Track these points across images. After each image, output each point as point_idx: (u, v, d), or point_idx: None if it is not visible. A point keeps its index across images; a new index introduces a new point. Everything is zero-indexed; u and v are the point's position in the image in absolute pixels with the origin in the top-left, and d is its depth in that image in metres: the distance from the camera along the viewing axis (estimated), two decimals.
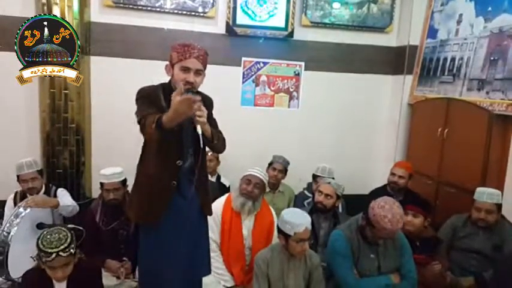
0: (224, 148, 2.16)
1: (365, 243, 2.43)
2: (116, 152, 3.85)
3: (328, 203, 3.01)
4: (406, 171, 3.56)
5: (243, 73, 4.26)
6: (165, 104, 1.95)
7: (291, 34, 4.18)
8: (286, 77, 4.39)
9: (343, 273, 2.40)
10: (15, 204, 3.08)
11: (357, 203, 3.02)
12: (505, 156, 3.22)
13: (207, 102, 2.11)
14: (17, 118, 3.76)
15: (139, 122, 1.93)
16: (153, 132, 1.79)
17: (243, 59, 4.23)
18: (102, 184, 3.06)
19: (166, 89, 2.03)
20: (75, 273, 2.08)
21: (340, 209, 3.56)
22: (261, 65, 4.30)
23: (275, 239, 2.87)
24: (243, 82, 4.29)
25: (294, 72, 4.40)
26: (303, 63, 4.38)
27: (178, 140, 2.03)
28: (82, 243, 2.45)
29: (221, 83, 3.93)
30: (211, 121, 2.10)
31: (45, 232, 2.04)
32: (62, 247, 1.96)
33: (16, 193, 3.18)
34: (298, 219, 2.34)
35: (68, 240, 2.01)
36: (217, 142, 2.05)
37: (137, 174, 2.15)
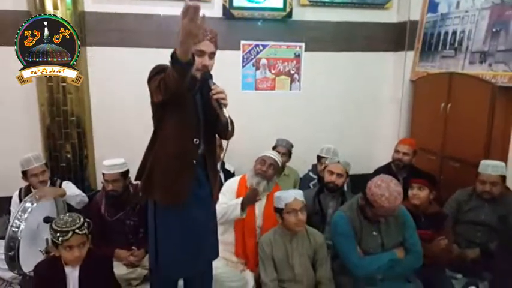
0: (232, 135, 2.13)
1: (366, 222, 2.44)
2: (118, 142, 3.85)
3: (340, 182, 3.04)
4: (410, 147, 3.54)
5: (243, 57, 4.22)
6: None
7: (290, 14, 4.12)
8: (286, 59, 4.34)
9: (347, 253, 2.41)
10: (20, 200, 3.08)
11: (362, 183, 3.01)
12: (508, 128, 3.21)
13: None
14: (16, 113, 3.75)
15: (157, 86, 1.84)
16: (172, 74, 1.71)
17: (242, 42, 4.18)
18: (103, 175, 3.06)
19: None
20: (86, 262, 2.11)
21: (345, 188, 3.55)
22: (261, 47, 4.25)
23: None
24: (243, 66, 4.24)
25: (294, 53, 4.35)
26: (303, 44, 4.32)
27: (194, 118, 2.02)
28: (90, 234, 2.46)
29: (220, 67, 3.82)
30: None
31: (56, 219, 2.11)
32: (78, 225, 2.03)
33: (21, 189, 3.18)
34: (287, 193, 2.47)
35: (81, 220, 2.08)
36: (232, 127, 2.04)
37: (153, 156, 2.08)
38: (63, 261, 2.09)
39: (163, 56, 2.30)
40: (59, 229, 2.01)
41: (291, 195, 2.44)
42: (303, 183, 3.83)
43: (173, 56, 1.68)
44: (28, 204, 2.74)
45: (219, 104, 1.87)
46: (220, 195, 2.60)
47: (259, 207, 2.93)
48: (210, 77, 1.95)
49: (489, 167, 2.95)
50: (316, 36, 4.30)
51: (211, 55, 1.97)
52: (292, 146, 3.81)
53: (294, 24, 4.22)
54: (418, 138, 3.85)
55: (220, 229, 2.49)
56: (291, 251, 2.47)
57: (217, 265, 2.66)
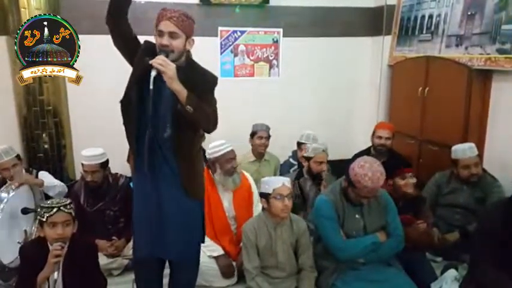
0: (209, 124, 2.05)
1: (349, 205, 2.46)
2: (97, 131, 3.79)
3: (325, 167, 3.15)
4: (390, 131, 3.57)
5: (221, 43, 4.18)
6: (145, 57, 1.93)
7: (267, 0, 4.08)
8: (264, 45, 4.32)
9: (330, 236, 2.42)
10: None
11: (342, 168, 3.04)
12: (485, 110, 3.27)
13: (199, 78, 2.03)
14: None
15: None
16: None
17: (220, 28, 4.14)
18: (82, 165, 3.02)
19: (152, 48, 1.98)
20: (71, 246, 2.09)
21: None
22: (238, 34, 4.22)
23: (256, 202, 2.96)
24: (221, 53, 4.21)
25: (273, 39, 4.33)
26: (281, 30, 4.31)
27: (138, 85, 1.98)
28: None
29: (198, 54, 3.77)
30: (203, 98, 1.98)
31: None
32: (64, 203, 2.06)
33: None
34: (275, 178, 2.49)
35: (68, 201, 2.10)
36: (196, 112, 1.90)
37: None
38: (48, 242, 2.07)
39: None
40: (45, 206, 2.04)
41: (279, 181, 2.42)
42: (283, 169, 3.85)
43: None
44: (4, 194, 2.70)
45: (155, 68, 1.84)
46: None
47: (227, 199, 2.90)
48: (160, 53, 1.89)
49: (467, 150, 3.01)
50: (293, 22, 4.29)
51: (173, 34, 1.91)
52: (269, 127, 3.81)
53: (272, 10, 4.20)
54: (396, 123, 3.90)
55: None
56: (275, 239, 2.48)
57: None
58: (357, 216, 2.46)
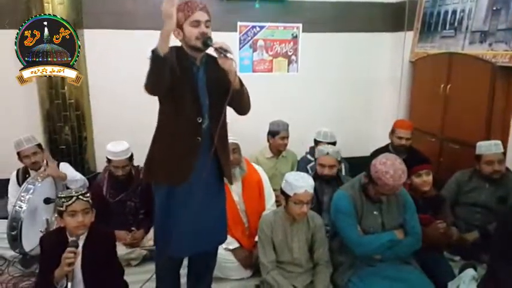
0: (249, 107, 2.10)
1: (368, 201, 2.43)
2: (117, 124, 3.85)
3: (333, 172, 3.03)
4: (410, 131, 3.49)
5: (240, 38, 4.19)
6: (177, 62, 1.91)
7: None
8: (283, 40, 4.31)
9: (347, 231, 2.41)
10: (18, 180, 3.12)
11: (360, 165, 3.01)
12: (508, 108, 3.20)
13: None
14: (15, 97, 3.74)
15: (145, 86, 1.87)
16: (152, 67, 1.75)
17: (239, 23, 4.14)
18: (109, 160, 3.04)
19: (180, 50, 1.98)
20: (90, 236, 2.14)
21: (343, 172, 3.55)
22: (258, 29, 4.21)
23: (268, 195, 2.98)
24: (240, 48, 4.22)
25: (292, 35, 4.31)
26: (300, 25, 4.29)
27: (194, 96, 1.99)
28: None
29: None
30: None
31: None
32: (82, 192, 2.12)
33: (18, 170, 3.19)
34: (299, 182, 2.35)
35: (85, 190, 2.16)
36: (246, 92, 2.01)
37: (158, 137, 2.08)
38: (67, 232, 2.12)
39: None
40: (63, 195, 2.09)
41: (302, 187, 2.32)
42: (300, 165, 3.82)
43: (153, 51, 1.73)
44: (30, 186, 2.78)
45: (224, 51, 1.84)
46: None
47: (237, 192, 2.91)
48: (210, 40, 1.90)
49: (492, 146, 2.97)
50: (313, 17, 4.27)
51: (207, 23, 1.94)
52: (288, 125, 3.79)
53: (291, 5, 4.18)
54: (417, 120, 3.84)
55: None
56: (291, 234, 2.48)
57: None
58: (375, 212, 2.44)
